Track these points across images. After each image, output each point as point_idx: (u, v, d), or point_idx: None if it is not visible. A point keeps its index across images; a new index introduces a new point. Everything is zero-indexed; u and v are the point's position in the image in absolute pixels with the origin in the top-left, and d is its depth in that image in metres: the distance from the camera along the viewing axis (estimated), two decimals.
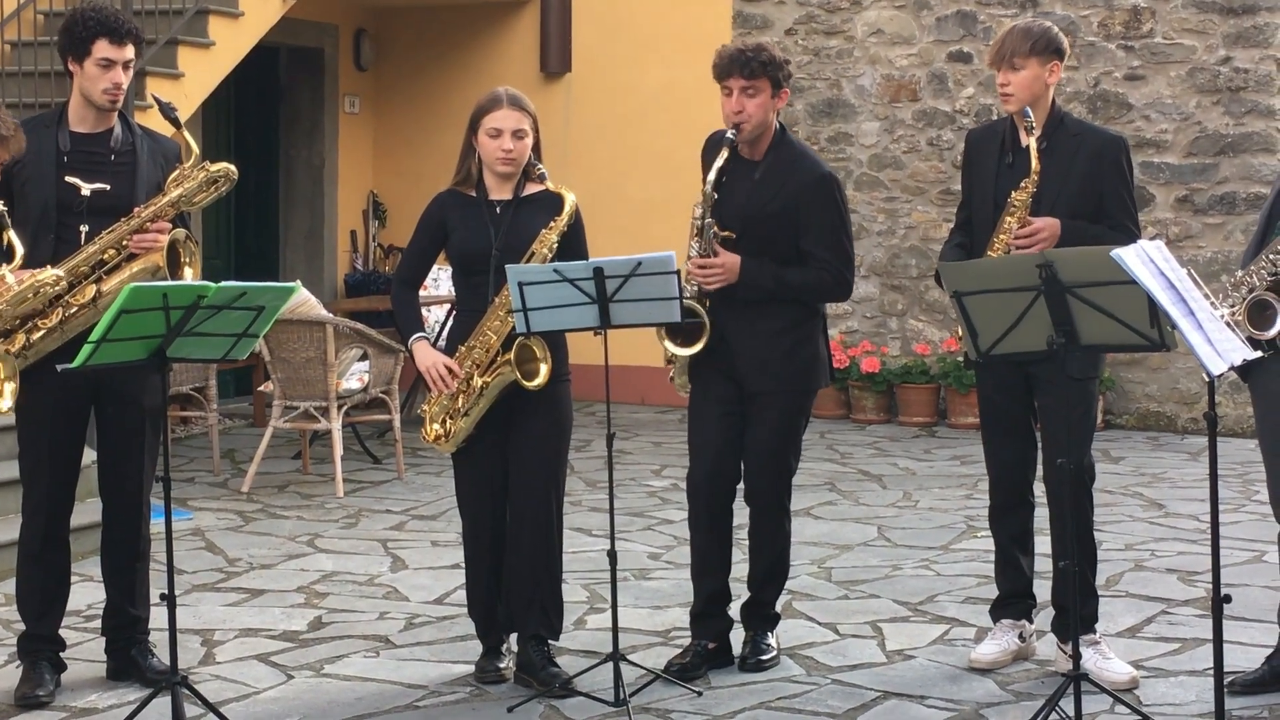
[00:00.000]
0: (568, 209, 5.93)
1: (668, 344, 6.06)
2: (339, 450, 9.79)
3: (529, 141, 5.95)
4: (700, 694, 5.97)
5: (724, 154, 5.97)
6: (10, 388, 5.21)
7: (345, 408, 9.85)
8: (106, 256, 5.74)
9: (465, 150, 6.04)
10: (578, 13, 13.68)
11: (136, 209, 5.79)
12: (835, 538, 8.50)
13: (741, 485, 6.26)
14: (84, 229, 5.76)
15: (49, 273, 5.33)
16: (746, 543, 6.41)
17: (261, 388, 11.14)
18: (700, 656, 6.22)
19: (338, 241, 14.07)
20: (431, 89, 14.13)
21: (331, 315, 10.05)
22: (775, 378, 6.10)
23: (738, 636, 6.36)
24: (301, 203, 13.99)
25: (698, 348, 6.00)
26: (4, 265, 5.25)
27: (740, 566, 6.43)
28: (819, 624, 6.86)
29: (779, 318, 6.08)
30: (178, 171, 5.90)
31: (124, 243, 5.75)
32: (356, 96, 14.25)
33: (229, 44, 11.10)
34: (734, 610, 6.37)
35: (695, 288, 6.01)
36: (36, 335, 5.66)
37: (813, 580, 7.57)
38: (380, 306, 12.49)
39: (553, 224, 5.91)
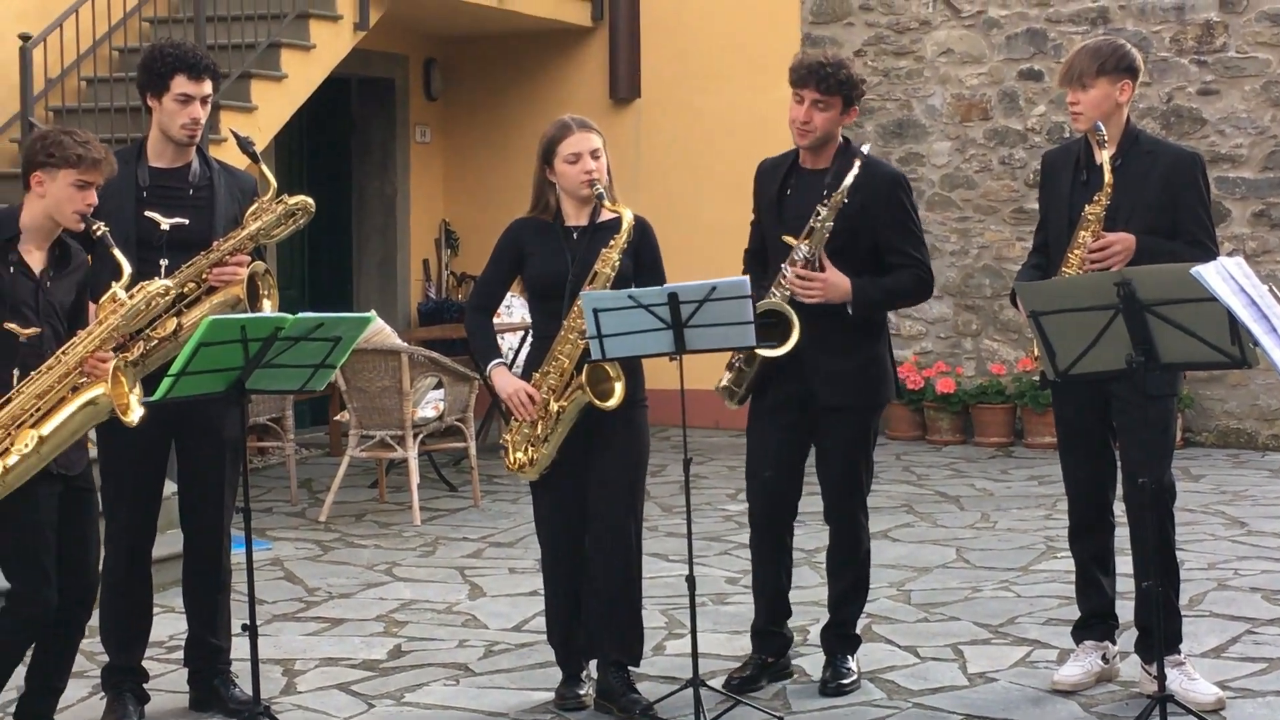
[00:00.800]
0: (625, 225, 5.92)
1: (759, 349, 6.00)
2: (415, 478, 9.82)
3: (605, 161, 5.96)
4: (781, 719, 5.94)
5: (856, 166, 5.90)
6: (135, 399, 5.25)
7: (421, 436, 9.88)
8: (186, 290, 5.79)
9: (540, 182, 6.03)
10: (646, 38, 13.71)
11: (215, 243, 5.83)
12: (914, 560, 8.45)
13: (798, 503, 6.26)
14: (164, 263, 5.81)
15: (158, 284, 5.40)
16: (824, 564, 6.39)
17: (338, 417, 11.19)
18: (759, 669, 6.26)
19: (410, 270, 14.14)
20: (501, 117, 14.19)
21: (406, 344, 10.09)
22: (849, 392, 6.08)
23: (815, 661, 6.33)
24: (374, 232, 14.07)
25: (789, 346, 5.95)
26: (115, 283, 5.32)
27: (808, 590, 6.40)
28: (899, 647, 6.82)
29: (849, 331, 6.06)
30: (256, 205, 5.94)
31: (203, 276, 5.80)
32: (427, 126, 14.33)
33: (301, 76, 11.19)
34: (812, 632, 6.34)
35: (787, 294, 5.96)
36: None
37: (892, 603, 7.53)
38: (454, 334, 12.54)
39: (612, 242, 5.90)
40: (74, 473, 5.43)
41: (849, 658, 6.29)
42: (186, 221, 5.88)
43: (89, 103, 10.65)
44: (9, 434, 5.17)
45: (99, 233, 5.31)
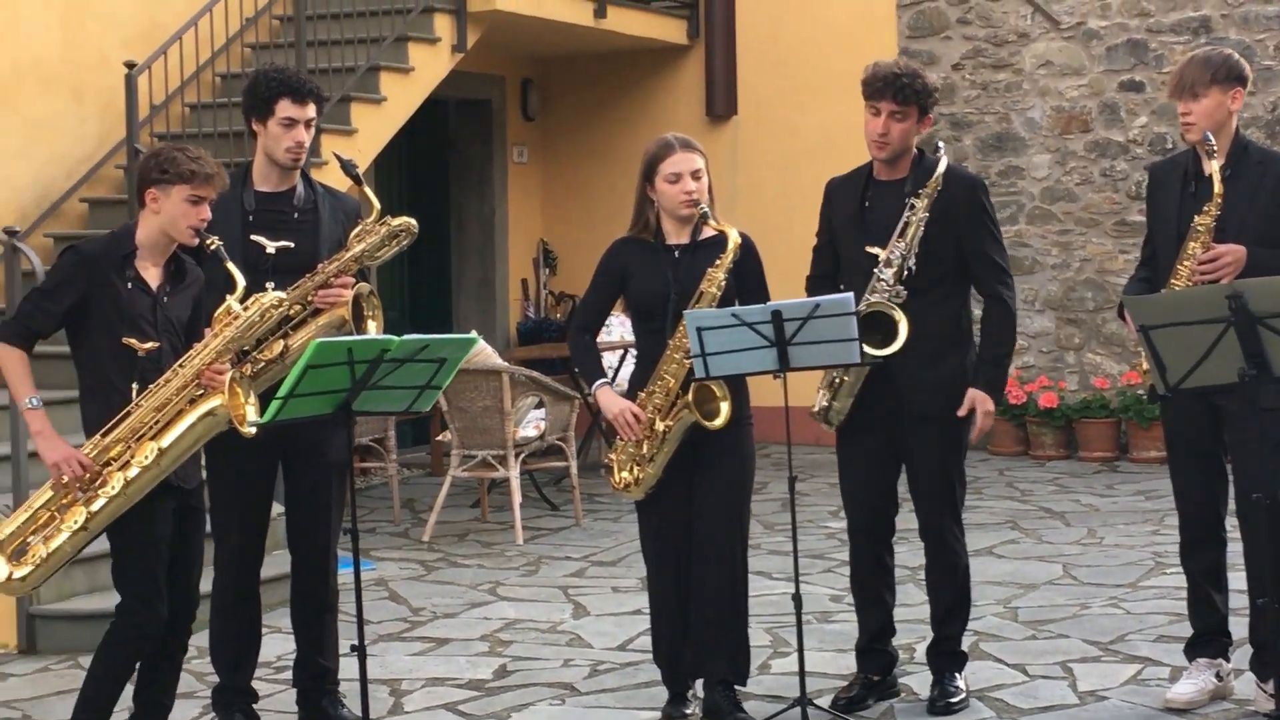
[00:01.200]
0: (731, 245, 5.90)
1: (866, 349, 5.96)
2: (517, 498, 9.85)
3: (706, 181, 5.95)
4: None
5: (943, 161, 5.92)
6: (252, 410, 5.31)
7: (522, 455, 9.91)
8: (292, 312, 5.84)
9: (641, 200, 6.03)
10: (742, 55, 13.71)
11: (321, 265, 5.88)
12: (1019, 576, 8.37)
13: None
14: (270, 286, 5.85)
15: (271, 295, 5.46)
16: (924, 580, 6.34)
17: (440, 437, 11.24)
18: (865, 689, 6.23)
19: (509, 290, 14.19)
20: (598, 136, 14.23)
21: (507, 364, 10.12)
22: (939, 401, 6.04)
23: (923, 680, 6.28)
24: (473, 253, 14.14)
25: (896, 345, 5.91)
26: (229, 296, 5.39)
27: (912, 607, 6.35)
28: (1007, 665, 6.76)
29: (940, 337, 6.03)
30: (360, 227, 5.98)
31: (309, 298, 5.84)
32: (524, 146, 14.39)
33: (400, 99, 11.27)
34: (918, 650, 6.29)
35: (899, 292, 5.92)
36: None
37: (999, 620, 7.46)
38: (553, 354, 12.57)
39: (718, 262, 5.89)
40: (190, 486, 5.49)
41: (956, 675, 6.24)
42: (292, 245, 5.92)
43: (192, 128, 10.77)
44: (129, 447, 5.25)
45: (212, 247, 5.38)
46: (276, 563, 6.98)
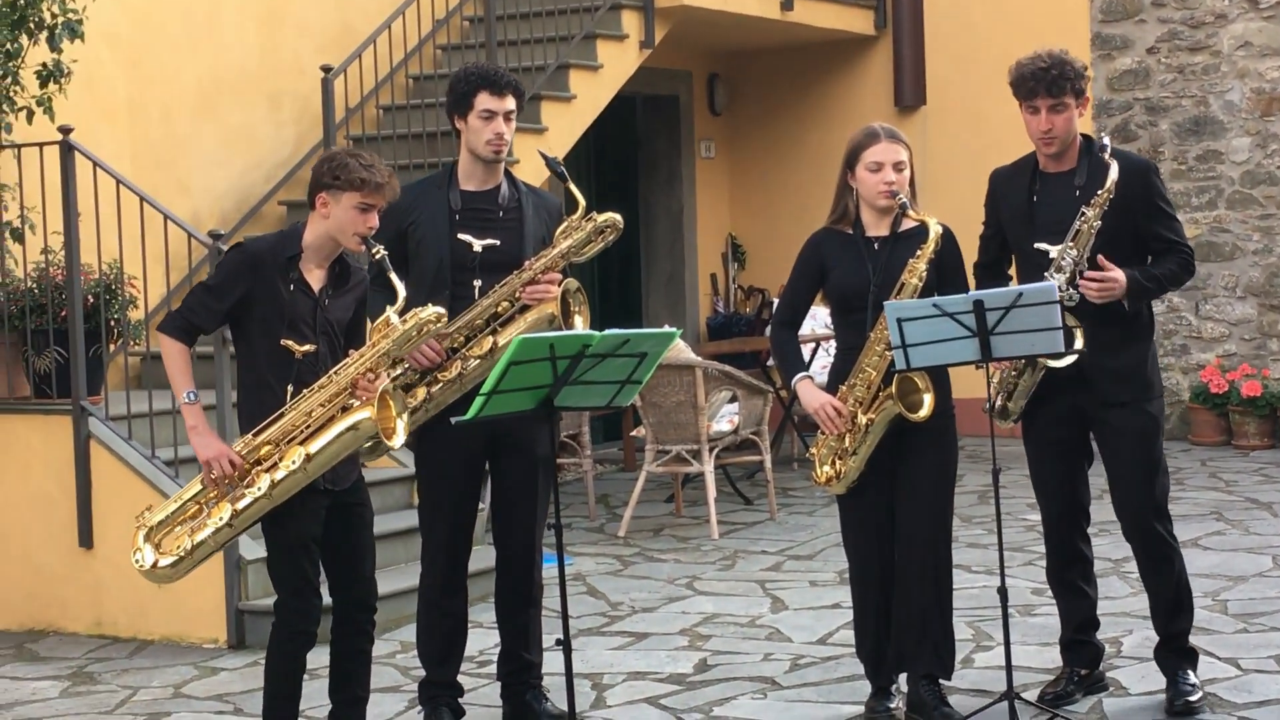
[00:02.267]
0: (933, 235, 5.84)
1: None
2: (712, 492, 9.85)
3: (908, 174, 5.89)
4: None
5: (1115, 165, 5.79)
6: (403, 424, 5.34)
7: (716, 450, 9.91)
8: (500, 309, 5.89)
9: (841, 188, 5.99)
10: (930, 44, 13.58)
11: (528, 262, 5.93)
12: (1228, 569, 8.19)
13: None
14: (478, 284, 5.92)
15: (430, 310, 5.46)
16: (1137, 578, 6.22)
17: (633, 433, 11.28)
18: (1073, 684, 6.13)
19: (698, 285, 14.21)
20: (785, 129, 14.18)
21: (700, 359, 10.12)
22: (1132, 386, 5.92)
23: (1130, 674, 6.16)
24: (662, 248, 14.18)
25: (1075, 356, 5.82)
26: (389, 307, 5.41)
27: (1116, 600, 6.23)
28: (1218, 659, 6.61)
29: (1123, 324, 5.91)
30: (566, 224, 6.01)
31: (516, 295, 5.89)
32: (711, 141, 14.39)
33: (589, 96, 11.33)
34: (1125, 643, 6.16)
35: (1071, 295, 5.81)
36: (436, 388, 5.85)
37: (1208, 613, 7.30)
38: (744, 348, 12.56)
39: (919, 252, 5.83)
40: (342, 487, 5.51)
41: (1190, 672, 6.06)
42: (498, 243, 5.97)
43: (386, 130, 10.93)
44: (278, 449, 5.29)
45: (377, 255, 5.39)
46: (479, 557, 7.05)
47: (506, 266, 5.93)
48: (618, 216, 6.04)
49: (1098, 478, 6.11)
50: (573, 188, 6.01)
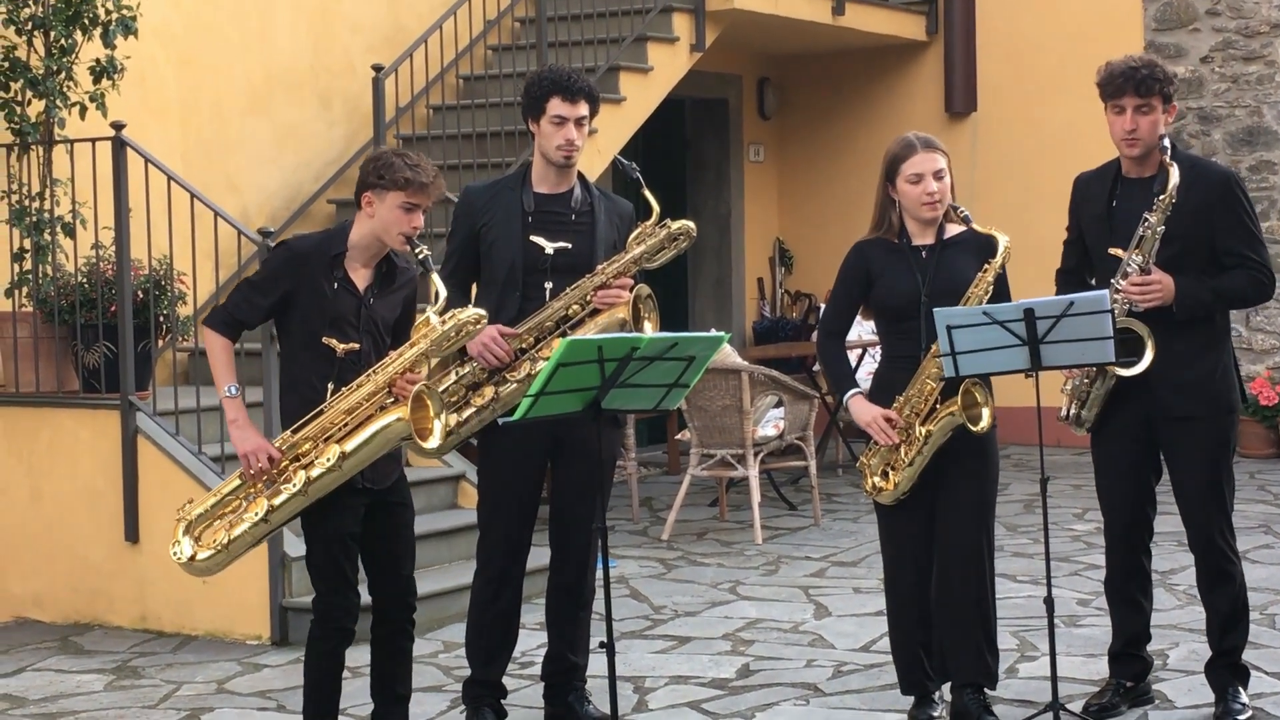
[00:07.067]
0: (1002, 247, 5.81)
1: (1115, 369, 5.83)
2: (756, 497, 9.83)
3: (949, 181, 5.86)
4: None
5: (1175, 168, 5.72)
6: (440, 425, 5.34)
7: (761, 454, 9.89)
8: (570, 312, 5.90)
9: (882, 200, 5.92)
10: (982, 50, 13.53)
11: (600, 265, 5.93)
12: (1276, 583, 8.13)
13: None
14: (549, 286, 5.93)
15: (470, 312, 5.46)
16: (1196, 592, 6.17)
17: (678, 436, 11.27)
18: (1118, 695, 6.09)
19: (745, 289, 14.18)
20: (835, 134, 14.16)
21: (746, 363, 10.11)
22: (1198, 401, 5.86)
23: (1176, 687, 6.11)
24: (709, 252, 14.16)
25: (1144, 364, 5.77)
26: (429, 307, 5.40)
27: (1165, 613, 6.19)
28: (1266, 674, 6.56)
29: (1195, 336, 5.85)
30: (639, 229, 6.03)
31: (587, 298, 5.90)
32: (760, 145, 14.37)
33: (639, 99, 11.32)
34: (1171, 656, 6.12)
35: (1126, 305, 5.79)
36: (505, 388, 5.85)
37: (1256, 628, 7.19)
38: (790, 353, 12.53)
39: (987, 266, 5.79)
40: (382, 486, 5.52)
41: (1241, 691, 6.00)
42: (569, 246, 5.98)
43: (436, 130, 10.95)
44: (316, 446, 5.31)
45: (421, 255, 5.40)
46: (530, 557, 7.03)
47: (577, 270, 5.94)
48: (691, 224, 6.06)
49: (1163, 489, 6.06)
50: (647, 193, 6.01)
